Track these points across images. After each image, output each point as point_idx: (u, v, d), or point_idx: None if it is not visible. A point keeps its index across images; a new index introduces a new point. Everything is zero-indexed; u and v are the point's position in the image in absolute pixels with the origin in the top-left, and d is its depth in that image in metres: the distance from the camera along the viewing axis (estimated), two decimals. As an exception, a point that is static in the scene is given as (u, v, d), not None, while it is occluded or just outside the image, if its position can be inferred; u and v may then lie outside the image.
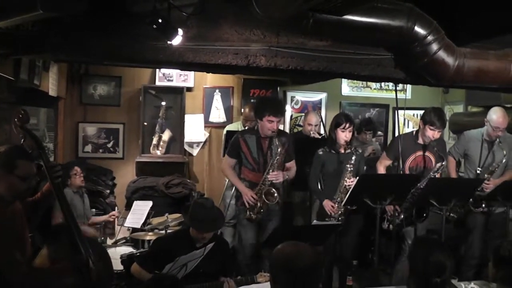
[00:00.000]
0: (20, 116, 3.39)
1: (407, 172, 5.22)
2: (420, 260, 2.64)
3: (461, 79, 4.42)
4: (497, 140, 5.28)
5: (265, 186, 5.02)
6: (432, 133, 5.09)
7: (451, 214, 5.22)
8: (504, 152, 5.22)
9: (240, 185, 5.17)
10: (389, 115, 8.10)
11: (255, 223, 5.17)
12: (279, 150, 4.98)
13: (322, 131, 6.64)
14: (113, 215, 5.93)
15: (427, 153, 5.19)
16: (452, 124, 7.63)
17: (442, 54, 4.17)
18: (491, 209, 5.36)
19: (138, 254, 4.60)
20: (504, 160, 5.26)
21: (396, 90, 5.76)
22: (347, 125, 5.04)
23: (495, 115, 5.27)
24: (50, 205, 3.97)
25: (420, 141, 5.23)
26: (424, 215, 5.12)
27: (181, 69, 6.44)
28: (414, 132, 5.41)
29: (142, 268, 4.06)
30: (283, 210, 6.82)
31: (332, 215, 5.00)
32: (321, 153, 5.22)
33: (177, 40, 3.66)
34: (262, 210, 5.06)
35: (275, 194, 5.02)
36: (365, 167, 5.40)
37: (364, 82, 7.88)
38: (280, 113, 5.10)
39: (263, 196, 5.00)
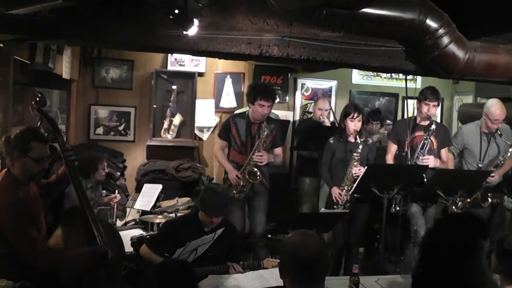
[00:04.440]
0: (38, 99, 3.46)
1: (406, 149, 5.25)
2: None
3: (471, 72, 4.45)
4: (498, 132, 5.28)
5: (249, 166, 5.21)
6: (426, 108, 5.17)
7: (456, 210, 5.25)
8: (509, 143, 5.23)
9: (227, 165, 5.39)
10: (399, 104, 8.11)
11: (242, 203, 5.38)
12: (265, 133, 5.17)
13: (332, 118, 6.71)
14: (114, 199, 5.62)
15: (432, 138, 5.21)
16: (460, 115, 7.63)
17: (452, 47, 4.19)
18: (495, 201, 5.41)
19: (148, 236, 4.70)
20: (510, 152, 5.25)
21: (406, 80, 5.79)
22: (356, 114, 5.12)
23: (493, 107, 5.27)
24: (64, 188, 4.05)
25: (419, 121, 5.29)
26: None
27: (194, 55, 6.50)
28: (414, 116, 5.47)
29: (151, 250, 4.13)
30: (290, 195, 6.98)
31: (339, 202, 5.09)
32: (332, 141, 5.32)
33: (192, 30, 3.70)
34: (244, 189, 5.26)
35: (258, 174, 5.20)
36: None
37: (375, 71, 7.90)
38: (271, 97, 5.23)
39: (246, 175, 5.20)
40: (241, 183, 5.24)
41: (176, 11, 3.42)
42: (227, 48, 4.11)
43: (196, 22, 3.66)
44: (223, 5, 3.83)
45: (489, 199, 5.29)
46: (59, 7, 3.51)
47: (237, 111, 6.85)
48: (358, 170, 5.02)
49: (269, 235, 5.65)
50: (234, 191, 5.26)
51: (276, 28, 4.16)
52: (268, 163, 5.41)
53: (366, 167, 4.95)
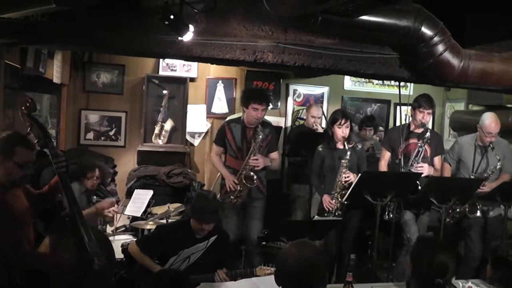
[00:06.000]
0: (28, 104, 3.40)
1: (399, 157, 5.23)
2: (424, 261, 2.64)
3: (465, 80, 4.45)
4: (490, 145, 5.23)
5: (246, 171, 5.20)
6: (421, 115, 5.19)
7: (447, 219, 5.19)
8: (498, 158, 5.18)
9: (224, 171, 5.38)
10: (391, 111, 8.12)
11: (239, 210, 5.36)
12: (260, 137, 5.16)
13: (324, 125, 6.70)
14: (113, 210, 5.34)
15: (426, 146, 5.20)
16: (452, 122, 7.66)
17: (447, 55, 4.19)
18: (486, 210, 5.38)
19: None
20: (498, 166, 5.23)
21: (399, 87, 5.78)
22: (343, 121, 5.10)
23: (487, 120, 5.23)
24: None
25: (413, 128, 5.29)
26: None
27: (188, 61, 6.45)
28: (408, 123, 5.46)
29: (140, 249, 4.12)
30: (282, 201, 6.95)
31: (329, 210, 5.07)
32: (320, 149, 5.30)
33: (188, 36, 3.66)
34: (241, 194, 5.24)
35: (254, 177, 5.18)
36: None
37: (367, 78, 7.89)
38: (265, 101, 5.25)
39: (243, 180, 5.19)
40: (238, 188, 5.22)
41: (172, 17, 3.38)
42: (221, 54, 4.09)
43: (191, 28, 3.62)
44: (218, 11, 3.79)
45: (478, 211, 5.26)
46: (52, 11, 3.46)
47: (230, 117, 6.81)
48: (347, 177, 5.02)
49: (263, 242, 5.62)
50: (231, 197, 5.24)
51: (271, 34, 4.14)
52: (265, 169, 5.39)
53: (356, 173, 4.97)
